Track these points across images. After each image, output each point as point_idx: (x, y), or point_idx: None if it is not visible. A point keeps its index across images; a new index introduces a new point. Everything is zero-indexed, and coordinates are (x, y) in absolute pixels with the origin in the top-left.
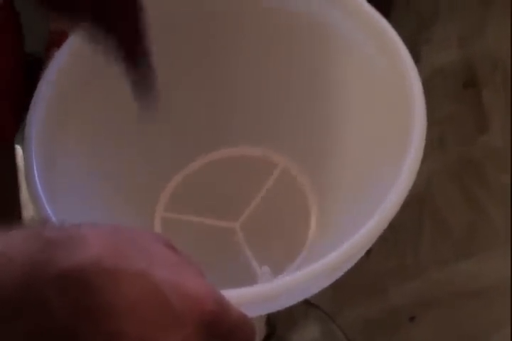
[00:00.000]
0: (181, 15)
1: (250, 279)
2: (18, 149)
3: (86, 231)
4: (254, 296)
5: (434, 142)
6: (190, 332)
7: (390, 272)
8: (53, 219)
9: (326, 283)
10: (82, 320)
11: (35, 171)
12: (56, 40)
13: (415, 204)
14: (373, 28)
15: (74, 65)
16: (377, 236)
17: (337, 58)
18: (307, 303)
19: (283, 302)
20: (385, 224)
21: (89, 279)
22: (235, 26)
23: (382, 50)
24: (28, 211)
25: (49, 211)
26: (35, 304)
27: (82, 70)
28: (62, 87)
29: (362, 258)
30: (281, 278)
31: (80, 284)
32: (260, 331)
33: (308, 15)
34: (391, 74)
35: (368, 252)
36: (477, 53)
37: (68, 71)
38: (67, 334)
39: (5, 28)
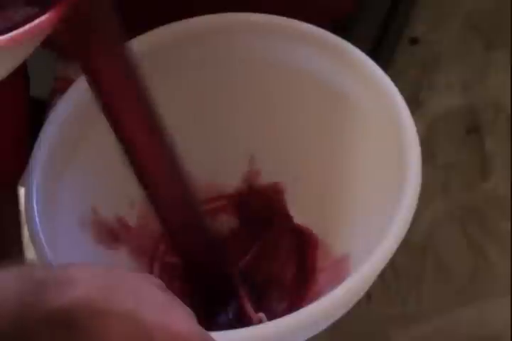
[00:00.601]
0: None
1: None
2: (22, 191)
3: (75, 271)
4: (243, 339)
5: (437, 188)
6: None
7: (392, 319)
8: (50, 259)
9: (316, 328)
10: None
11: (36, 214)
12: (61, 86)
13: (418, 250)
14: (371, 81)
15: (78, 109)
16: (356, 293)
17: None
18: None
19: None
20: (370, 279)
21: (77, 320)
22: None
23: (380, 104)
24: (30, 252)
25: (47, 251)
26: None
27: (86, 114)
28: (65, 132)
29: (363, 304)
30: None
31: (67, 326)
32: None
33: (309, 71)
34: (388, 127)
35: (370, 298)
36: (480, 99)
37: (71, 115)
38: None
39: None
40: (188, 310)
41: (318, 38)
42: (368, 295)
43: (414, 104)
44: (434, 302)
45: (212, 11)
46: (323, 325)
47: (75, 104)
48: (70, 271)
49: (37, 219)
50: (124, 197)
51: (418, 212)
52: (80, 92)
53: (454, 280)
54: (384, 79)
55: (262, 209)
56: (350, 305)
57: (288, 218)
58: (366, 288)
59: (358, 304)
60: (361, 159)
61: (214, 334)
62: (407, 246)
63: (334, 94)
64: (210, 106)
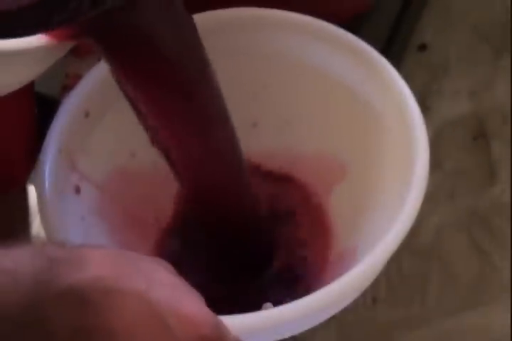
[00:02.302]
0: None
1: None
2: (30, 189)
3: (88, 251)
4: (252, 323)
5: (444, 193)
6: None
7: (396, 321)
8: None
9: (324, 315)
10: (81, 340)
11: (48, 202)
12: (71, 84)
13: (424, 254)
14: (383, 80)
15: (86, 102)
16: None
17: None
18: None
19: (281, 332)
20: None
21: (89, 298)
22: None
23: (391, 102)
24: None
25: (59, 229)
26: (36, 323)
27: (94, 108)
28: (75, 121)
29: (369, 307)
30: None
31: (79, 303)
32: None
33: (320, 66)
34: (398, 127)
35: (375, 301)
36: (487, 106)
37: (80, 108)
38: None
39: None
40: (198, 294)
41: (332, 35)
42: (374, 298)
43: (421, 109)
44: (439, 306)
45: (225, 6)
46: (330, 312)
47: (84, 98)
48: (83, 250)
49: (49, 204)
50: None
51: (424, 217)
52: (89, 86)
53: (459, 285)
54: (396, 77)
55: None
56: (347, 300)
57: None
58: (363, 284)
59: (364, 306)
60: (372, 154)
61: (223, 318)
62: (413, 250)
63: (347, 91)
64: None
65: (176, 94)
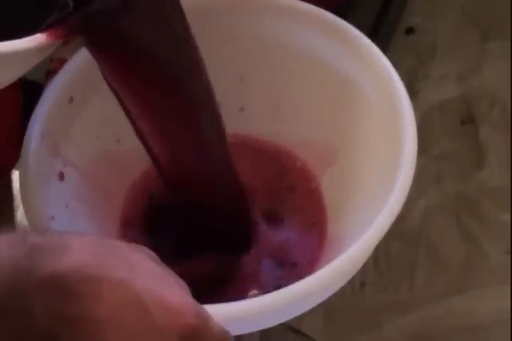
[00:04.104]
0: None
1: None
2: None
3: (70, 238)
4: (237, 312)
5: (431, 177)
6: None
7: (384, 306)
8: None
9: (311, 303)
10: (63, 328)
11: (31, 189)
12: (56, 68)
13: (411, 238)
14: (372, 64)
15: (70, 88)
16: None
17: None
18: (302, 335)
19: (267, 320)
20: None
21: (71, 286)
22: None
23: (379, 86)
24: None
25: (42, 217)
26: (18, 310)
27: (78, 93)
28: (59, 106)
29: (356, 291)
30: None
31: (61, 290)
32: None
33: (308, 50)
34: (387, 111)
35: (363, 286)
36: (475, 90)
37: (64, 93)
38: None
39: None
40: (182, 282)
41: (320, 18)
42: (362, 283)
43: (409, 93)
44: (426, 290)
45: None
46: (316, 300)
47: (69, 77)
48: (64, 237)
49: (32, 191)
50: None
51: (412, 201)
52: (74, 66)
53: (447, 269)
54: (383, 61)
55: None
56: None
57: None
58: (351, 271)
59: (352, 291)
60: (361, 138)
61: (207, 307)
62: (400, 234)
63: (335, 75)
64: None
65: (164, 91)
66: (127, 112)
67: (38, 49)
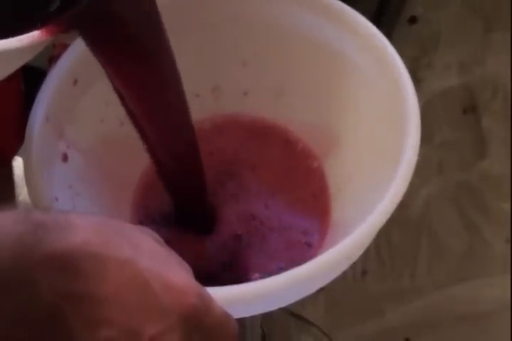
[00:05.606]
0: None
1: None
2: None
3: (75, 217)
4: (239, 295)
5: (433, 166)
6: (172, 322)
7: (386, 294)
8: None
9: (313, 287)
10: (68, 305)
11: (35, 170)
12: (58, 54)
13: (413, 227)
14: (375, 49)
15: (75, 70)
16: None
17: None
18: (304, 320)
19: (269, 304)
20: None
21: (76, 263)
22: None
23: (383, 72)
24: None
25: (47, 195)
26: (23, 285)
27: (82, 75)
28: (63, 88)
29: (358, 279)
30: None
31: (66, 268)
32: None
33: (312, 34)
34: (390, 97)
35: (365, 274)
36: (478, 79)
37: (69, 76)
38: (51, 318)
39: None
40: (186, 264)
41: (324, 4)
42: (363, 271)
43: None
44: (428, 279)
45: None
46: (317, 284)
47: (72, 63)
48: (69, 216)
49: (36, 172)
50: None
51: (414, 190)
52: (77, 53)
53: (449, 258)
54: (388, 47)
55: None
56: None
57: None
58: (352, 256)
59: (353, 279)
60: (364, 124)
61: (210, 290)
62: (402, 223)
63: (339, 61)
64: (210, 67)
65: (138, 64)
66: (116, 92)
67: (29, 47)
